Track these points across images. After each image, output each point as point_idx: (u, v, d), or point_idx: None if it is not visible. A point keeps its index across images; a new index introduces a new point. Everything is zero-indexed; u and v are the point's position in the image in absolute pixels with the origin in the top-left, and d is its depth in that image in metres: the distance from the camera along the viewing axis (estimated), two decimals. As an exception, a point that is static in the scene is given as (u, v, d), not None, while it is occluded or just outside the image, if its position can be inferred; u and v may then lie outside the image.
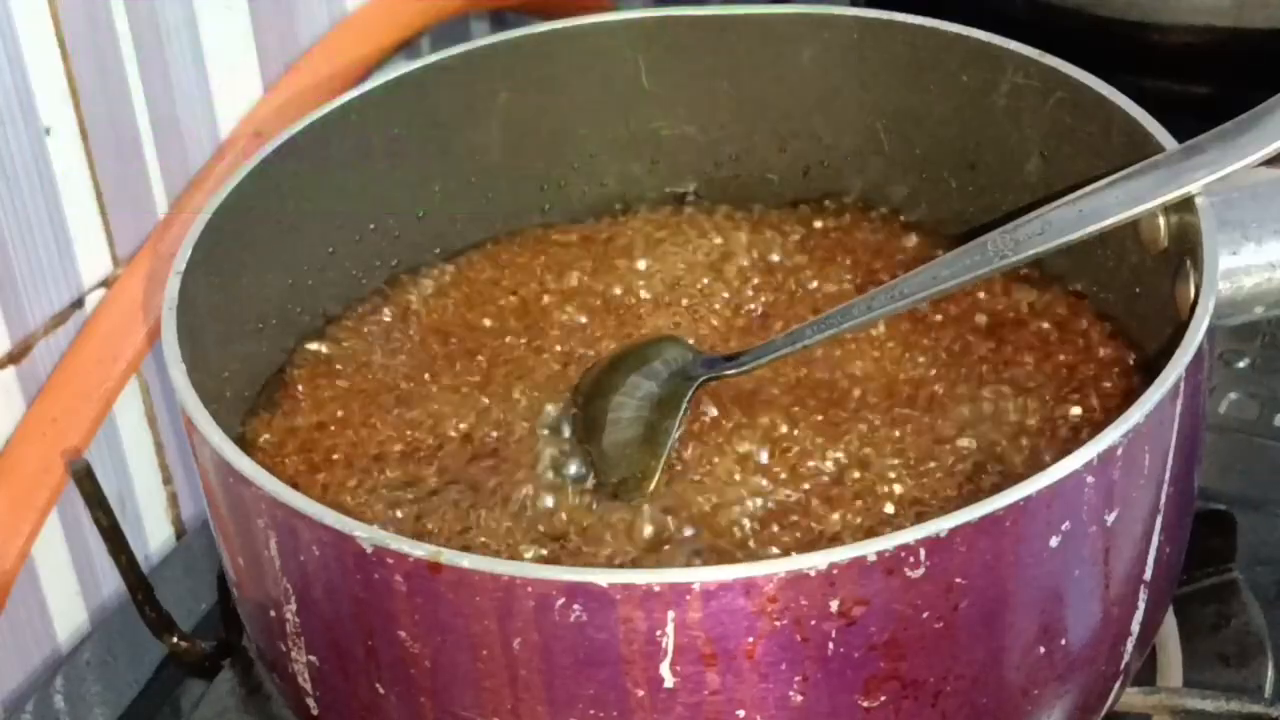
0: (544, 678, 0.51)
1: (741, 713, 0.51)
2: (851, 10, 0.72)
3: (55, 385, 0.72)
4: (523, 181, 0.74)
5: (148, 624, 0.70)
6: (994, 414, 0.63)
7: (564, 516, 0.60)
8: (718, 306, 0.69)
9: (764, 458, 0.61)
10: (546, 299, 0.70)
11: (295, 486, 0.53)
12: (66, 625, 0.76)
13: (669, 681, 0.50)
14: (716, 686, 0.50)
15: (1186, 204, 0.59)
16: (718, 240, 0.73)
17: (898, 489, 0.60)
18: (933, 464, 0.61)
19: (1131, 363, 0.64)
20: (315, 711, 0.57)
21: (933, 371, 0.65)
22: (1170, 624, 0.67)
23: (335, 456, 0.64)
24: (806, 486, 0.60)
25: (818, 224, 0.73)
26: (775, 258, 0.71)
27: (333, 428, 0.65)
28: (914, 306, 0.62)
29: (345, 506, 0.61)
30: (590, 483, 0.61)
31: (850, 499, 0.60)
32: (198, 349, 0.59)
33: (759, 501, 0.60)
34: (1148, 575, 0.56)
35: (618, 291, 0.70)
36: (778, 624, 0.49)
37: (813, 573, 0.49)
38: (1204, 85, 0.91)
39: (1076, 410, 0.62)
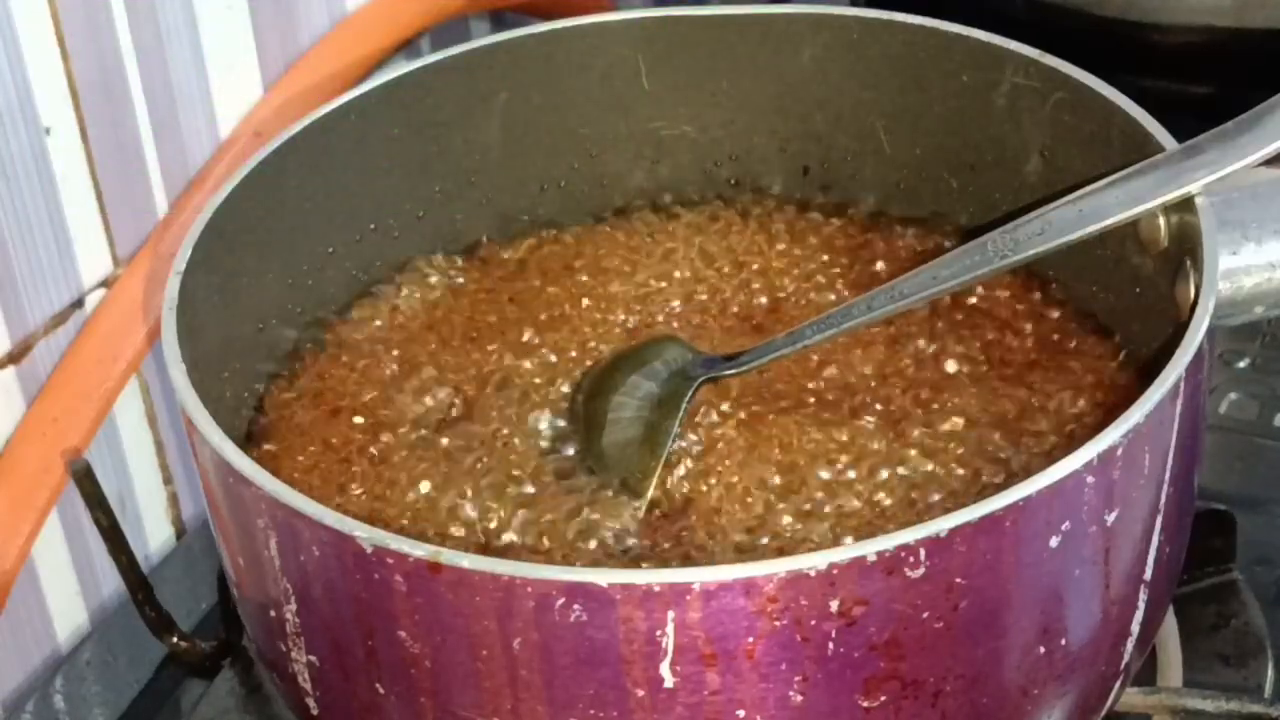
0: (544, 678, 0.51)
1: (741, 713, 0.51)
2: (851, 10, 0.72)
3: (55, 385, 0.72)
4: (523, 181, 0.74)
5: (148, 624, 0.70)
6: (993, 414, 0.63)
7: (553, 517, 0.60)
8: (718, 306, 0.70)
9: (764, 458, 0.61)
10: (547, 299, 0.70)
11: (295, 486, 0.53)
12: (66, 625, 0.76)
13: (669, 681, 0.50)
14: (716, 686, 0.50)
15: (1186, 204, 0.59)
16: (718, 240, 0.73)
17: (897, 489, 0.60)
18: (932, 464, 0.61)
19: (1131, 363, 0.64)
20: (315, 711, 0.57)
21: (931, 371, 0.65)
22: (1170, 624, 0.67)
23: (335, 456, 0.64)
24: (806, 486, 0.60)
25: (818, 224, 0.73)
26: (775, 258, 0.71)
27: (333, 427, 0.65)
28: (913, 306, 0.62)
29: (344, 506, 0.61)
30: (589, 482, 0.62)
31: (850, 498, 0.60)
32: (198, 349, 0.59)
33: (759, 501, 0.60)
34: (1148, 575, 0.56)
35: (617, 291, 0.71)
36: (778, 624, 0.49)
37: (813, 573, 0.49)
38: (1204, 85, 0.91)
39: (1076, 410, 0.62)
